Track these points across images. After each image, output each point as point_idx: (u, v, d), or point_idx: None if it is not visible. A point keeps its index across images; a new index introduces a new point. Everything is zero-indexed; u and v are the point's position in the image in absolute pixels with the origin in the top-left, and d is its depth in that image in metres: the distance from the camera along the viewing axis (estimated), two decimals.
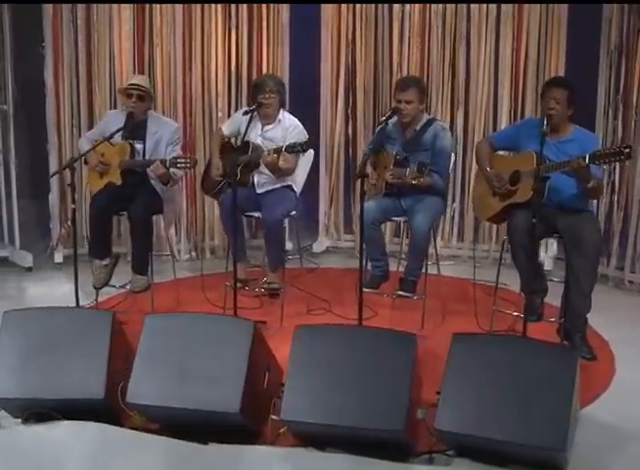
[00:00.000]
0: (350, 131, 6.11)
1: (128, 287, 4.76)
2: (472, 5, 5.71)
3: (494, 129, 5.70)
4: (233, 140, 5.14)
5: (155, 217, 4.93)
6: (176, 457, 3.14)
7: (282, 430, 3.17)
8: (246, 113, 4.70)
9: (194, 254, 6.09)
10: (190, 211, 6.08)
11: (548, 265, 5.65)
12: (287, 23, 5.97)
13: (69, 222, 5.73)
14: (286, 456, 3.13)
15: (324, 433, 3.05)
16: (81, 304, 4.40)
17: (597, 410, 3.66)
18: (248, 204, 4.82)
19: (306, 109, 6.12)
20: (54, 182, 5.73)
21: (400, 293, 4.56)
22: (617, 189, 5.40)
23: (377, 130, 4.60)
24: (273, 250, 4.82)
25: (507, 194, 4.24)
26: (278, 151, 4.61)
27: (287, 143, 4.59)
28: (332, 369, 3.07)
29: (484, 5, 5.69)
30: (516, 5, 5.63)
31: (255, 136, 4.89)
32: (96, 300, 4.75)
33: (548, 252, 5.67)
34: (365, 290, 4.52)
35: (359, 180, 4.07)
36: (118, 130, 4.57)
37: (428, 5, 5.80)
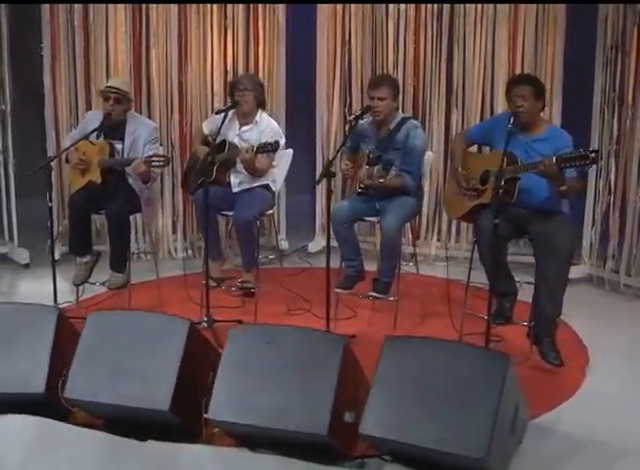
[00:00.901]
0: (347, 131, 6.05)
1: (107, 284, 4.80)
2: (467, 4, 5.61)
3: None
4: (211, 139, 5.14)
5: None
6: (113, 453, 3.14)
7: (215, 430, 3.17)
8: (219, 112, 4.71)
9: (190, 252, 6.12)
10: (187, 211, 6.10)
11: None
12: (283, 22, 5.96)
13: (66, 220, 5.84)
14: (217, 455, 3.10)
15: (250, 434, 3.03)
16: (63, 301, 4.57)
17: (557, 418, 3.58)
18: (223, 203, 4.82)
19: (303, 109, 6.14)
20: (54, 181, 5.78)
21: (372, 294, 4.50)
22: (612, 190, 5.25)
23: (348, 128, 4.57)
24: (245, 249, 4.81)
25: (476, 194, 4.15)
26: (250, 151, 4.59)
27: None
28: (260, 370, 3.04)
29: (480, 4, 5.58)
30: (512, 4, 5.52)
31: (233, 136, 4.89)
32: (78, 297, 4.83)
33: None
34: (338, 290, 4.54)
35: (325, 179, 4.09)
36: (94, 130, 4.61)
37: (423, 5, 5.71)
